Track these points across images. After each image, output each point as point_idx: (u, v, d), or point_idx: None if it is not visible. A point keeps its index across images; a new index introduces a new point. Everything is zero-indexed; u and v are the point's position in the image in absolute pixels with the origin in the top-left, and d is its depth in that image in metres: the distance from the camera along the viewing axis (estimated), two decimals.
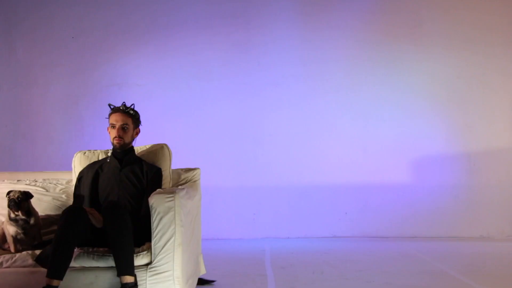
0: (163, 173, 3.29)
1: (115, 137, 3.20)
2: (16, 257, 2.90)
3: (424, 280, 3.77)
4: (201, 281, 3.65)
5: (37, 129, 5.86)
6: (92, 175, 3.21)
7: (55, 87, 5.88)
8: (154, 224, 2.78)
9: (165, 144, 3.45)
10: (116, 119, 3.20)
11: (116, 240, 2.74)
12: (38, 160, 5.74)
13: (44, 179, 3.62)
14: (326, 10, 5.84)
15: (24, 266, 2.86)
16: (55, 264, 2.66)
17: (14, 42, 5.91)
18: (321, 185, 5.72)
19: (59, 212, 3.30)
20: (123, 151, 3.24)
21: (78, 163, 3.39)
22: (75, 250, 2.75)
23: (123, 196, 3.11)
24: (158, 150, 3.40)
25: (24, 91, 5.88)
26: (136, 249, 2.81)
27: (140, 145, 3.47)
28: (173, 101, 5.81)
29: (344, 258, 4.58)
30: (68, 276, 2.71)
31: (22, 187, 3.46)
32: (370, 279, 3.80)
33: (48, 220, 3.31)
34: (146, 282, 2.76)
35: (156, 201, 2.78)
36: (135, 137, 3.31)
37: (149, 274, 2.77)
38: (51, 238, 3.01)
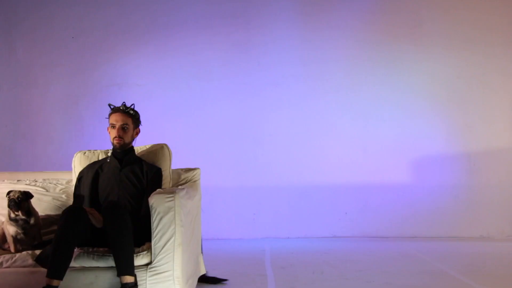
0: (163, 173, 3.29)
1: (115, 137, 3.20)
2: (16, 257, 2.90)
3: (424, 280, 3.77)
4: (213, 280, 3.66)
5: (37, 129, 5.86)
6: (92, 175, 3.21)
7: (55, 87, 5.88)
8: (154, 224, 2.78)
9: (165, 144, 3.45)
10: (116, 119, 3.20)
11: (116, 240, 2.74)
12: (38, 160, 5.74)
13: (44, 179, 3.62)
14: (326, 10, 5.85)
15: (24, 266, 2.86)
16: (55, 264, 2.66)
17: (14, 42, 5.91)
18: (321, 185, 5.72)
19: (59, 212, 3.30)
20: (123, 151, 3.24)
21: (78, 163, 3.39)
22: (75, 250, 2.75)
23: (123, 196, 3.11)
24: (158, 150, 3.40)
25: (24, 91, 5.88)
26: (136, 249, 2.81)
27: (140, 145, 3.47)
28: (173, 101, 5.81)
29: (344, 258, 4.58)
30: (68, 276, 2.71)
31: (22, 187, 3.46)
32: (370, 279, 3.80)
33: (48, 220, 3.31)
34: (146, 282, 2.76)
35: (156, 201, 2.78)
36: (135, 137, 3.31)
37: (149, 274, 2.77)
38: (51, 238, 3.01)
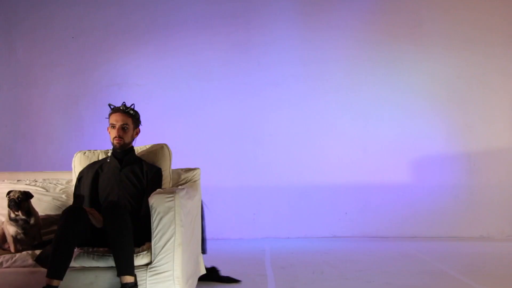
0: (163, 173, 3.29)
1: (115, 137, 3.20)
2: (16, 257, 2.90)
3: (424, 280, 3.77)
4: (227, 279, 3.68)
5: (37, 129, 5.86)
6: (92, 175, 3.21)
7: (55, 87, 5.88)
8: (154, 224, 2.78)
9: (165, 144, 3.45)
10: (116, 119, 3.20)
11: (116, 240, 2.74)
12: (38, 160, 5.74)
13: (44, 179, 3.61)
14: (326, 10, 5.84)
15: (24, 266, 2.86)
16: (55, 264, 2.66)
17: (14, 42, 5.91)
18: (321, 185, 5.72)
19: (59, 212, 3.30)
20: (123, 151, 3.24)
21: (78, 163, 3.39)
22: (75, 250, 2.75)
23: (123, 196, 3.11)
24: (158, 150, 3.40)
25: (24, 91, 5.88)
26: (136, 249, 2.81)
27: (140, 145, 3.47)
28: (173, 101, 5.81)
29: (344, 258, 4.58)
30: (68, 276, 2.71)
31: (22, 187, 3.46)
32: (370, 279, 3.80)
33: (48, 220, 3.31)
34: (146, 282, 2.76)
35: (156, 201, 2.78)
36: (135, 137, 3.31)
37: (149, 274, 2.77)
38: (51, 238, 3.01)
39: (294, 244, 5.31)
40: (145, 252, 2.80)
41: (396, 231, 5.65)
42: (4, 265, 2.87)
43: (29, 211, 3.11)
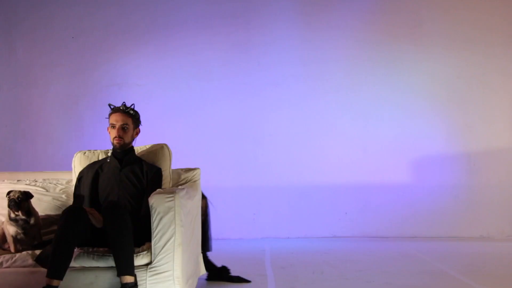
0: (163, 173, 3.29)
1: (115, 137, 3.20)
2: (16, 257, 2.90)
3: (424, 280, 3.77)
4: (238, 279, 3.70)
5: (37, 129, 5.86)
6: (92, 175, 3.20)
7: (55, 87, 5.88)
8: (154, 224, 2.78)
9: (165, 144, 3.44)
10: (116, 119, 3.19)
11: (116, 240, 2.74)
12: (38, 160, 5.74)
13: (44, 179, 3.61)
14: (326, 10, 5.84)
15: (24, 266, 2.86)
16: (55, 264, 2.66)
17: (14, 42, 5.91)
18: (321, 185, 5.72)
19: (59, 212, 3.30)
20: (123, 151, 3.24)
21: (78, 163, 3.39)
22: (75, 250, 2.75)
23: (123, 196, 3.11)
24: (158, 150, 3.40)
25: (24, 91, 5.88)
26: (136, 249, 2.81)
27: (140, 145, 3.47)
28: (173, 101, 5.81)
29: (344, 258, 4.58)
30: (68, 276, 2.71)
31: (22, 187, 3.46)
32: (370, 279, 3.80)
33: (48, 220, 3.31)
34: (146, 282, 2.76)
35: (156, 201, 2.78)
36: (135, 137, 3.30)
37: (149, 274, 2.77)
38: (51, 238, 3.01)
39: (294, 244, 5.31)
40: (145, 252, 2.80)
41: (396, 231, 5.65)
42: (4, 265, 2.87)
43: (29, 211, 3.11)
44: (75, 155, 3.45)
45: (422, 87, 5.78)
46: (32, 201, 3.17)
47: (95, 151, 3.44)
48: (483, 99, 5.77)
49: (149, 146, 3.45)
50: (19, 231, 3.05)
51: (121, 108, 3.22)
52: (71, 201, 3.35)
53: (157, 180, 3.22)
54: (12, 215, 3.07)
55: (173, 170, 3.45)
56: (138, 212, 3.04)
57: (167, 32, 5.86)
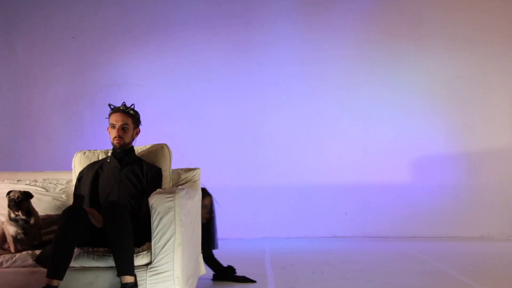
0: (163, 173, 3.29)
1: (115, 137, 3.20)
2: (16, 257, 2.90)
3: (424, 280, 3.77)
4: (243, 279, 3.71)
5: (37, 129, 5.86)
6: (92, 175, 3.20)
7: (55, 87, 5.88)
8: (154, 224, 2.78)
9: (165, 144, 3.44)
10: (116, 119, 3.19)
11: (116, 240, 2.74)
12: (38, 160, 5.74)
13: (44, 179, 3.61)
14: (326, 10, 5.85)
15: (24, 266, 2.85)
16: (55, 264, 2.66)
17: (14, 42, 5.91)
18: (321, 185, 5.72)
19: (59, 212, 3.29)
20: (123, 151, 3.24)
21: (78, 163, 3.39)
22: (75, 250, 2.75)
23: (123, 196, 3.11)
24: (158, 150, 3.40)
25: (24, 91, 5.88)
26: (136, 249, 2.81)
27: (140, 145, 3.47)
28: (173, 101, 5.81)
29: (344, 258, 4.58)
30: (68, 276, 2.71)
31: (22, 187, 3.46)
32: (370, 279, 3.80)
33: (48, 220, 3.31)
34: (146, 282, 2.76)
35: (156, 201, 2.78)
36: (135, 137, 3.30)
37: (149, 274, 2.77)
38: (51, 238, 3.01)
39: (294, 244, 5.31)
40: (145, 252, 2.80)
41: (396, 231, 5.65)
42: (4, 265, 2.87)
43: (29, 211, 3.11)
44: (75, 155, 3.44)
45: (422, 87, 5.78)
46: (32, 201, 3.16)
47: (95, 151, 3.44)
48: (483, 99, 5.77)
49: (149, 146, 3.45)
50: (19, 231, 3.05)
51: (121, 108, 3.22)
52: (71, 201, 3.35)
53: (157, 180, 3.22)
54: (12, 215, 3.07)
55: (173, 170, 3.45)
56: (138, 212, 3.04)
57: (167, 32, 5.86)
